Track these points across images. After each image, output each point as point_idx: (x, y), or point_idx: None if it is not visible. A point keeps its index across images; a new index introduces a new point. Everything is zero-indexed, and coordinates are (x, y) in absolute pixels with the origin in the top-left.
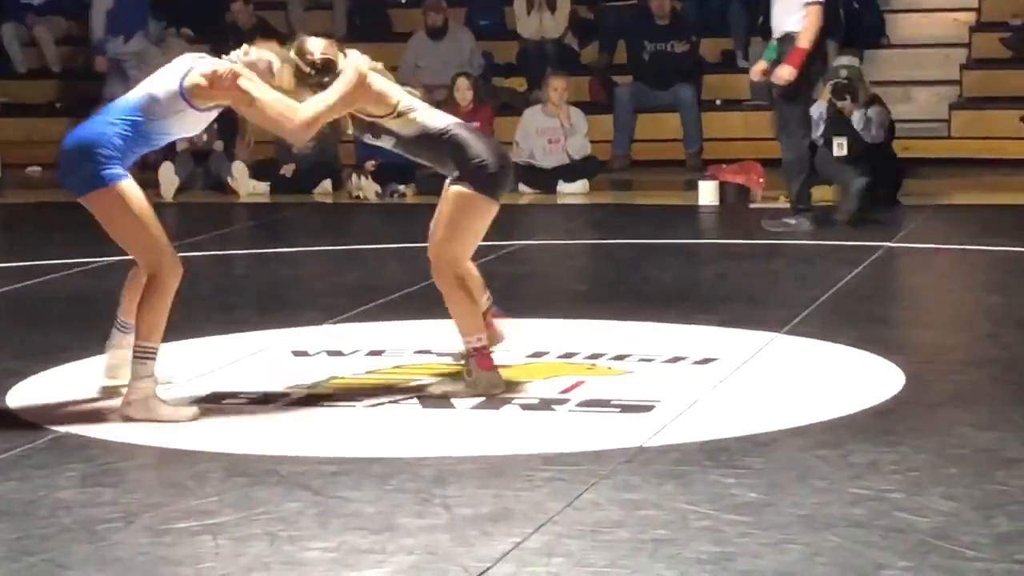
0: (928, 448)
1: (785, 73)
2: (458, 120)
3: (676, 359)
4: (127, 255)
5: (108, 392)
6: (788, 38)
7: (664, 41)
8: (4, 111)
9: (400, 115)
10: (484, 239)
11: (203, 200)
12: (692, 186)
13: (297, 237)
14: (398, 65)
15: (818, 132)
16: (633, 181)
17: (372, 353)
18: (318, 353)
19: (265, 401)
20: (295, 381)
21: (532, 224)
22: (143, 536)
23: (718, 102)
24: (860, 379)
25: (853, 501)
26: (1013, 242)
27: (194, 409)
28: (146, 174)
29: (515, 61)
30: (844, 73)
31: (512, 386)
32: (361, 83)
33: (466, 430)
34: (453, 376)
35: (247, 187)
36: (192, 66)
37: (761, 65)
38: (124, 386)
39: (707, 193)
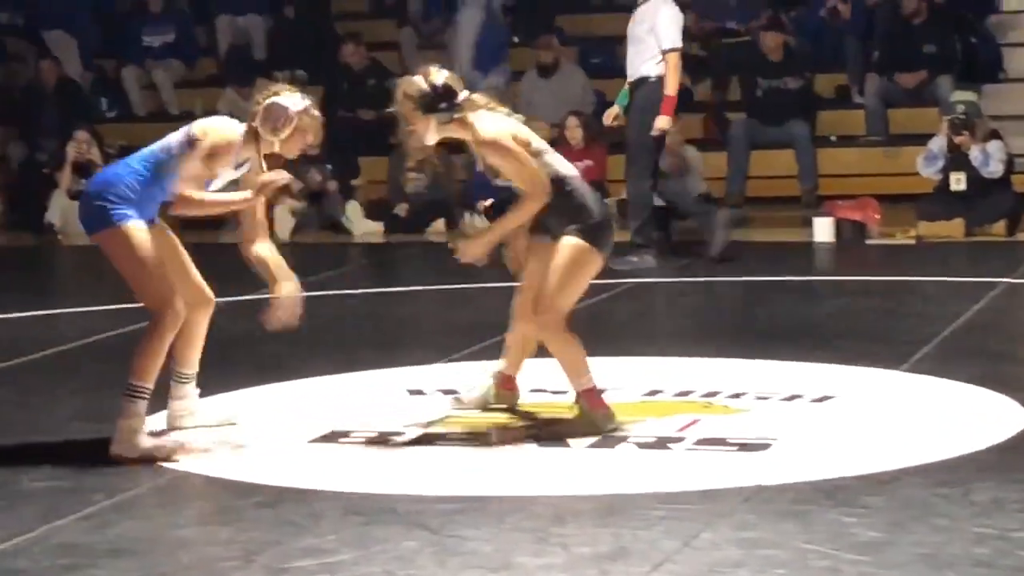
0: None
1: (663, 124)
2: (576, 172)
3: (793, 397)
4: (241, 296)
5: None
6: (643, 82)
7: (778, 78)
8: (122, 153)
9: (533, 156)
10: (601, 277)
11: (318, 240)
12: (807, 223)
13: (411, 276)
14: (513, 104)
15: (936, 167)
16: (748, 218)
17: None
18: (434, 392)
19: (381, 440)
20: (411, 420)
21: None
22: (262, 574)
23: (833, 138)
24: (981, 416)
25: (976, 540)
26: None
27: (179, 444)
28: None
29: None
30: (961, 108)
31: (628, 425)
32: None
33: (582, 469)
34: (567, 417)
35: (361, 227)
36: (202, 123)
37: (614, 110)
38: (185, 429)
39: (823, 229)
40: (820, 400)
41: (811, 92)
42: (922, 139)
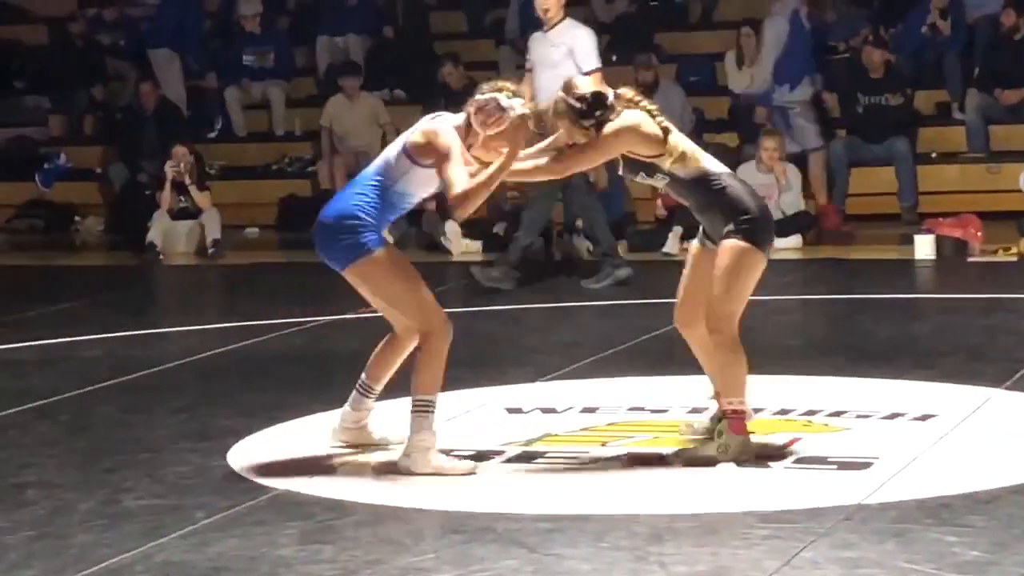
0: None
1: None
2: (729, 170)
3: (894, 415)
4: (346, 315)
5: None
6: None
7: (878, 94)
8: (223, 173)
9: (680, 156)
10: None
11: (417, 259)
12: (908, 240)
13: (510, 295)
14: None
15: None
16: (848, 235)
17: (586, 410)
18: (532, 410)
19: (480, 458)
20: (509, 438)
21: None
22: None
23: (934, 155)
24: None
25: None
26: None
27: (471, 464)
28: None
29: (726, 117)
30: None
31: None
32: (624, 138)
33: (681, 487)
34: (704, 439)
35: (460, 246)
36: (416, 127)
37: None
38: (349, 448)
39: (924, 247)
40: (921, 418)
41: (911, 108)
42: None
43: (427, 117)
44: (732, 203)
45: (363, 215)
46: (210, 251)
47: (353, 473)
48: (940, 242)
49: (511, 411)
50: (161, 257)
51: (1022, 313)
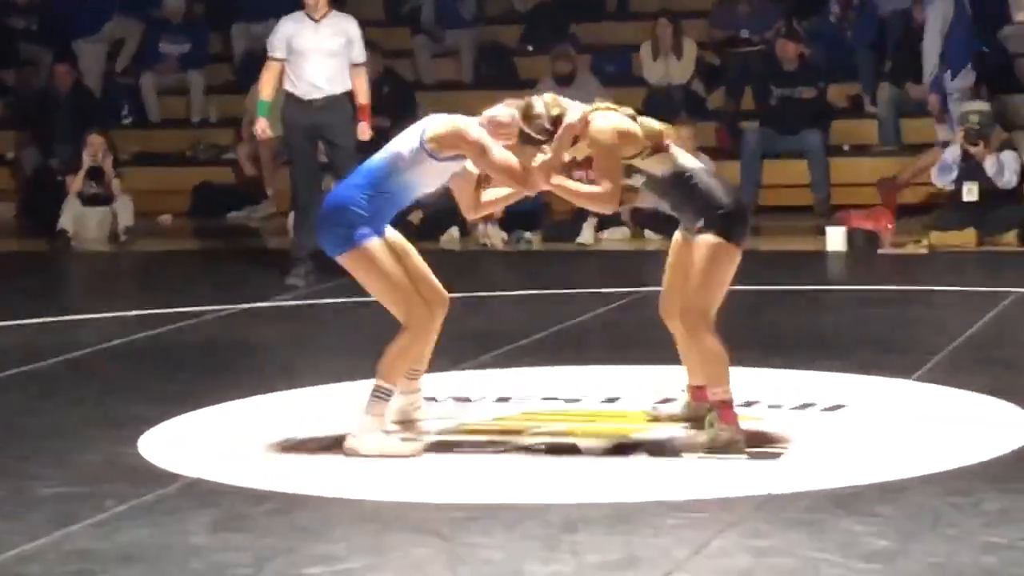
0: None
1: (369, 132)
2: (703, 165)
3: (805, 406)
4: (258, 303)
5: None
6: (341, 96)
7: (791, 87)
8: (137, 160)
9: (655, 153)
10: (612, 286)
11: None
12: (820, 232)
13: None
14: None
15: (950, 177)
16: (760, 227)
17: (500, 400)
18: (445, 399)
19: None
20: (424, 427)
21: (660, 270)
22: None
23: (846, 147)
24: (991, 426)
25: (985, 549)
26: None
27: (416, 446)
28: (270, 222)
29: (642, 107)
30: (976, 118)
31: (640, 433)
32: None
33: (594, 476)
34: (695, 428)
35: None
36: (431, 121)
37: (263, 122)
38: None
39: (835, 239)
40: (832, 409)
41: (824, 102)
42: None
43: (433, 116)
44: (706, 198)
45: (359, 208)
46: (122, 238)
47: (266, 461)
48: (852, 234)
49: (426, 400)
50: (73, 244)
51: (932, 305)
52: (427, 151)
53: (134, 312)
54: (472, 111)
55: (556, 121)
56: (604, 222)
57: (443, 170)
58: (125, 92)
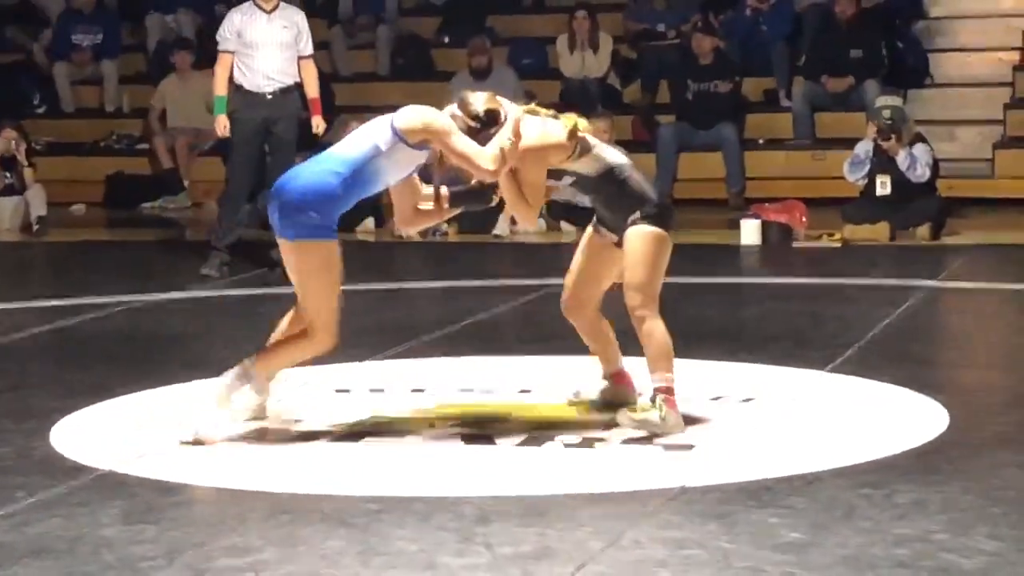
0: (973, 489)
1: (323, 123)
2: (628, 160)
3: (718, 398)
4: (172, 293)
5: None
6: (293, 87)
7: (707, 81)
8: (51, 149)
9: (582, 155)
10: (526, 277)
11: (250, 238)
12: (734, 225)
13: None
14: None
15: (863, 171)
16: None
17: (415, 391)
18: (360, 390)
19: (307, 438)
20: (337, 418)
21: None
22: (185, 574)
23: (761, 141)
24: (904, 419)
25: (897, 542)
26: None
27: (218, 436)
28: (187, 213)
29: (558, 100)
30: (888, 113)
31: (555, 425)
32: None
33: (509, 468)
34: (641, 411)
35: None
36: (402, 111)
37: (224, 120)
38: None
39: (749, 232)
40: (745, 401)
41: (740, 95)
42: (849, 143)
43: (404, 107)
44: (636, 193)
45: (335, 197)
46: (35, 228)
47: (179, 453)
48: (766, 227)
49: (339, 391)
50: None
51: (845, 298)
52: (400, 137)
53: (46, 303)
54: (388, 103)
55: (489, 115)
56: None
57: (412, 158)
58: (36, 80)
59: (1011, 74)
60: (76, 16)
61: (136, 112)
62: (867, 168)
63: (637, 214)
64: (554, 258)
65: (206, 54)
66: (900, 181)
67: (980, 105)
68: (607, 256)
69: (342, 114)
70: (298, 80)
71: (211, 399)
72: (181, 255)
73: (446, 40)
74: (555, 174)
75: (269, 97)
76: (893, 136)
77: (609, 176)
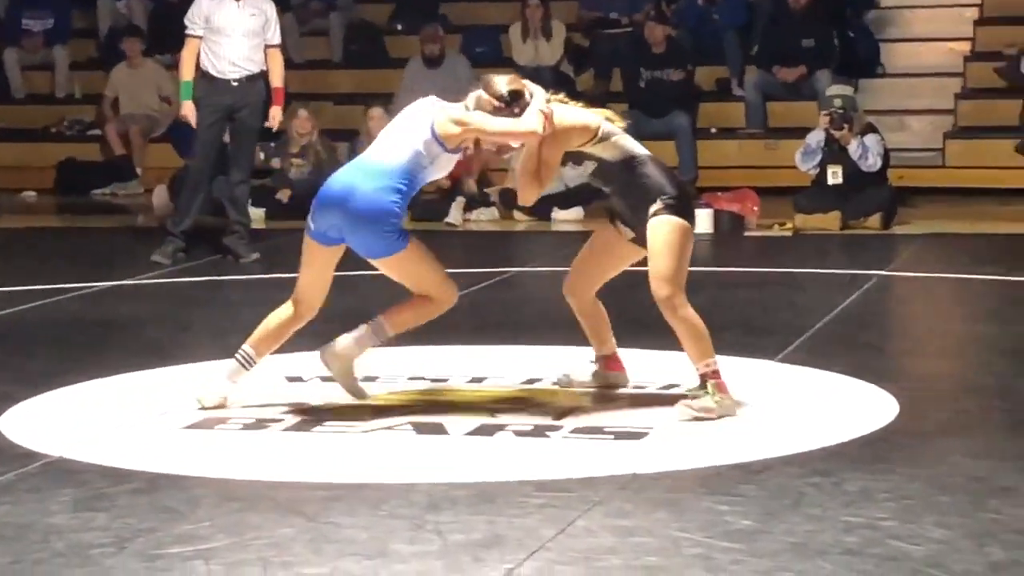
0: (921, 476)
1: (281, 115)
2: (648, 151)
3: (670, 386)
4: (123, 280)
5: None
6: (258, 75)
7: (659, 69)
8: (0, 136)
9: (603, 140)
10: (479, 266)
11: (204, 224)
12: None
13: (291, 263)
14: (393, 92)
15: (814, 161)
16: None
17: (366, 379)
18: (312, 379)
19: (259, 426)
20: (289, 407)
21: (527, 251)
22: (136, 561)
23: (713, 130)
24: (854, 407)
25: (846, 529)
26: (1006, 271)
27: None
28: (139, 199)
29: None
30: (839, 102)
31: (506, 413)
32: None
33: (460, 456)
34: (694, 398)
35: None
36: (435, 114)
37: (190, 106)
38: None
39: (701, 221)
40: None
41: (692, 84)
42: (800, 132)
43: (427, 103)
44: (657, 183)
45: (400, 211)
46: None
47: (129, 440)
48: (718, 216)
49: (291, 379)
50: None
51: (796, 287)
52: (440, 145)
53: (8, 288)
54: (341, 91)
55: (513, 95)
56: (472, 203)
57: (451, 160)
58: None
59: (962, 64)
60: (26, 1)
61: (87, 98)
62: (819, 158)
63: (659, 204)
64: (506, 247)
65: (157, 41)
66: (851, 171)
67: (931, 95)
68: (619, 251)
69: (293, 102)
70: (264, 68)
71: (339, 351)
72: (131, 242)
73: (399, 27)
74: (576, 159)
75: (234, 84)
76: (844, 126)
77: (629, 164)
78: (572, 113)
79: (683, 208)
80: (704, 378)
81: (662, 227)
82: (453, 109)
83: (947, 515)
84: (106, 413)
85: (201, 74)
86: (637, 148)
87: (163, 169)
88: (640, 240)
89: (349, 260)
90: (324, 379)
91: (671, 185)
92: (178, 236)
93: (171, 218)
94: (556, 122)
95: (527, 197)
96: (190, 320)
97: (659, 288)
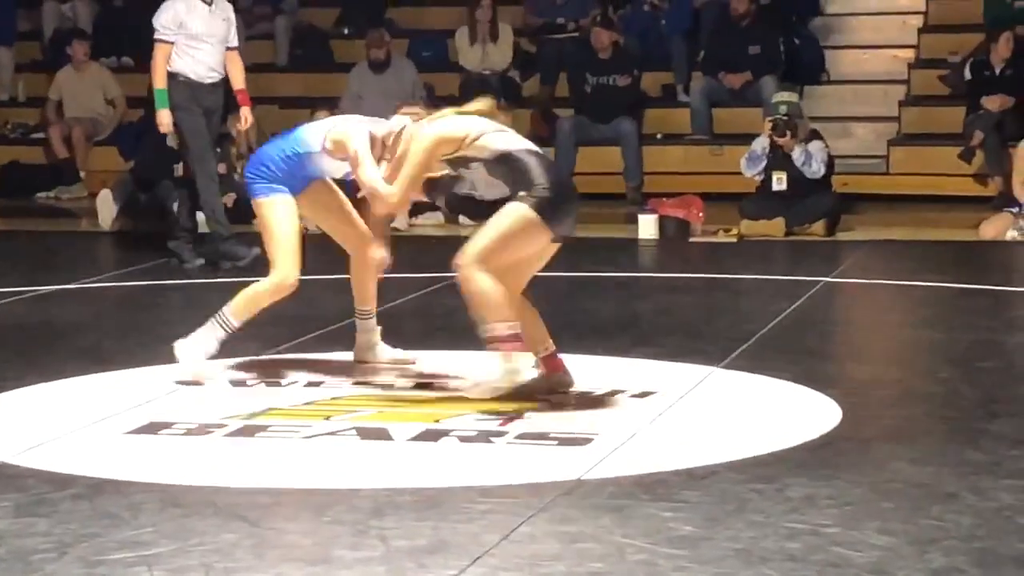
0: (864, 483)
1: (251, 117)
2: (530, 146)
3: (614, 392)
4: (66, 284)
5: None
6: (221, 83)
7: (606, 75)
8: None
9: (473, 142)
10: (424, 271)
11: (142, 229)
12: (632, 219)
13: (236, 268)
14: (339, 96)
15: (759, 167)
16: None
17: (310, 384)
18: (256, 384)
19: (202, 432)
20: (232, 412)
21: None
22: (77, 567)
23: (659, 136)
24: (797, 413)
25: (789, 535)
26: (950, 278)
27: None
28: (83, 203)
29: (457, 93)
30: (784, 109)
31: (450, 419)
32: (431, 148)
33: (404, 462)
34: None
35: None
36: (334, 125)
37: (167, 114)
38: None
39: (647, 227)
40: (641, 396)
41: (638, 90)
42: (746, 139)
43: (344, 117)
44: (526, 175)
45: (271, 164)
46: None
47: (70, 445)
48: (663, 222)
49: (235, 384)
50: None
51: (741, 293)
52: (325, 149)
53: None
54: (286, 94)
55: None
56: (418, 208)
57: (341, 166)
58: None
59: (906, 71)
60: None
61: (32, 101)
62: (763, 164)
63: (523, 193)
64: (452, 252)
65: (102, 45)
66: (796, 177)
67: (875, 102)
68: (535, 250)
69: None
70: (224, 73)
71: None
72: (74, 246)
73: (345, 31)
74: (462, 162)
75: (209, 88)
76: (788, 132)
77: (504, 159)
78: (434, 127)
79: (545, 206)
80: (488, 342)
81: (506, 210)
82: (349, 126)
83: (890, 521)
84: (48, 418)
85: (176, 79)
86: (514, 144)
87: (107, 172)
88: (557, 238)
89: (348, 261)
90: (269, 384)
91: (541, 180)
92: (186, 233)
93: (172, 226)
94: (413, 147)
95: (390, 207)
96: (133, 325)
97: (459, 257)
